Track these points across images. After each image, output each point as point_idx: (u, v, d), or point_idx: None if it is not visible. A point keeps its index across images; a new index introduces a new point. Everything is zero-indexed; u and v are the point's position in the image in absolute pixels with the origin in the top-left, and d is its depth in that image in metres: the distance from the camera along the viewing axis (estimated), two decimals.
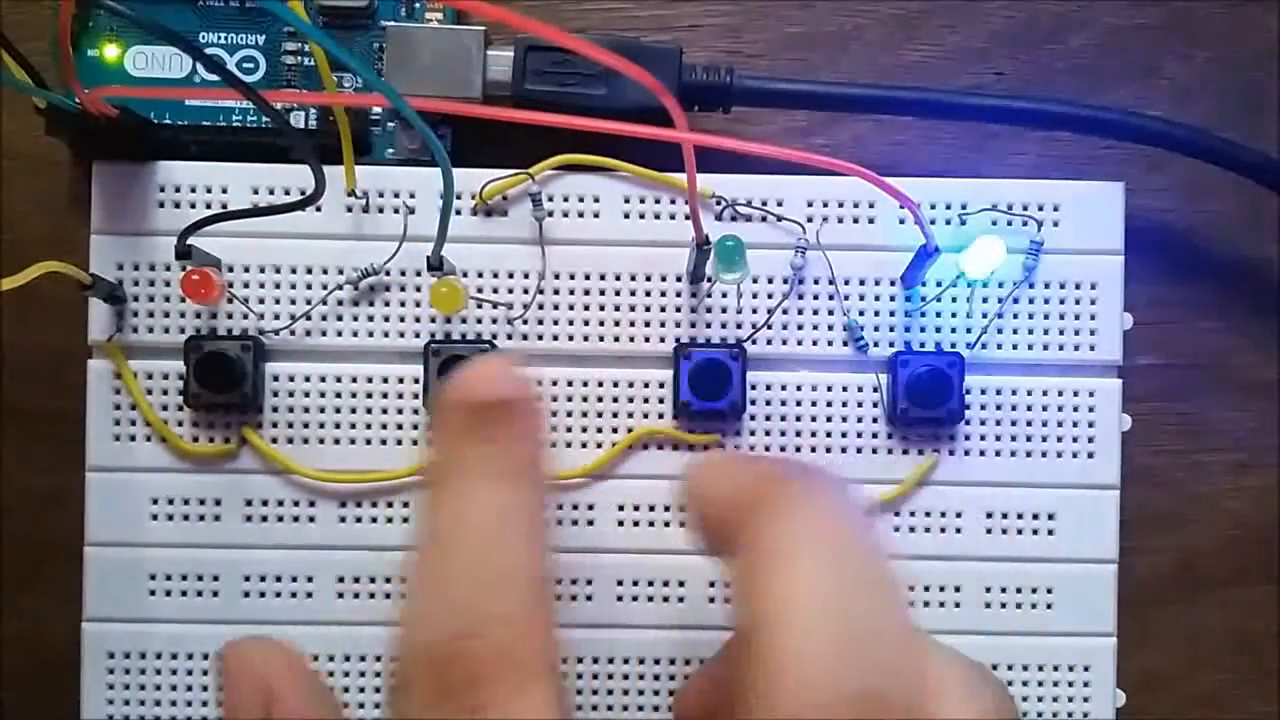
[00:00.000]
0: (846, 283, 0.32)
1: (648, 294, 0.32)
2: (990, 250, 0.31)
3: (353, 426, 0.32)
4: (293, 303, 0.32)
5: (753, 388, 0.32)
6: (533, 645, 0.24)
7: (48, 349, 0.33)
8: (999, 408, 0.32)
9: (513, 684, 0.23)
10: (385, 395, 0.32)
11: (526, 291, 0.32)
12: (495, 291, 0.32)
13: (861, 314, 0.32)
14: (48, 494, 0.33)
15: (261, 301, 0.32)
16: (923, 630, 0.24)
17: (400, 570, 0.26)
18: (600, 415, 0.32)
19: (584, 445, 0.32)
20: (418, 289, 0.32)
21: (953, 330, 0.32)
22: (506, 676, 0.23)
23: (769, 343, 0.32)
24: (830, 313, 0.32)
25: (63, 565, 0.32)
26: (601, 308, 0.32)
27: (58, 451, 0.33)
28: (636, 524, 0.32)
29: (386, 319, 0.32)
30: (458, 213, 0.32)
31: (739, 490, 0.25)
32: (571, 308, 0.32)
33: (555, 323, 0.32)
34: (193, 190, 0.32)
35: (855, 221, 0.32)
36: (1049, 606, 0.32)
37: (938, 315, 0.32)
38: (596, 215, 0.32)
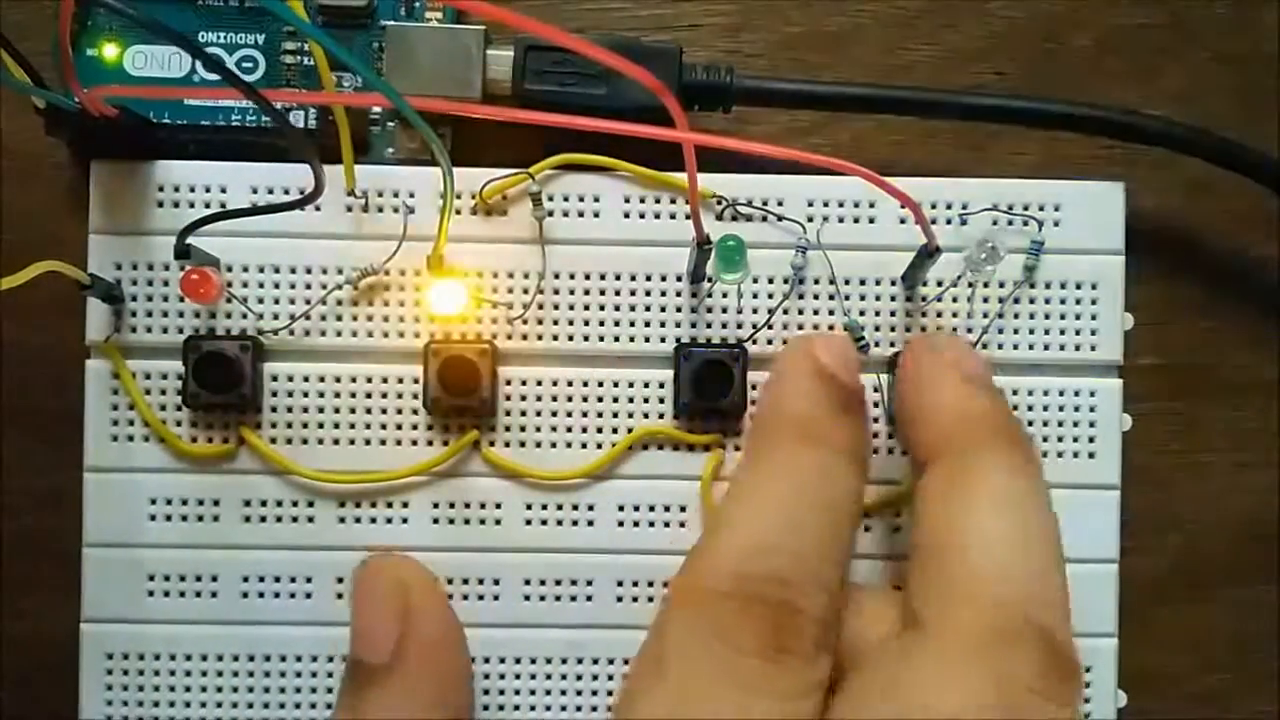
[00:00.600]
0: (847, 282, 0.32)
1: (648, 294, 0.32)
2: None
3: (352, 427, 0.32)
4: (292, 302, 0.32)
5: (753, 388, 0.32)
6: (835, 617, 0.26)
7: (46, 349, 0.33)
8: None
9: (813, 644, 0.25)
10: (384, 395, 0.32)
11: (526, 291, 0.32)
12: (495, 291, 0.32)
13: (862, 314, 0.32)
14: (46, 494, 0.33)
15: (260, 301, 0.32)
16: None
17: (731, 496, 0.28)
18: (600, 415, 0.32)
19: (584, 445, 0.32)
20: (417, 289, 0.32)
21: (954, 330, 0.32)
22: (813, 635, 0.25)
23: (770, 343, 0.32)
24: (831, 313, 0.32)
25: (61, 565, 0.32)
26: (602, 307, 0.32)
27: (56, 451, 0.33)
28: (636, 524, 0.32)
29: (386, 319, 0.32)
30: (458, 212, 0.32)
31: (962, 414, 0.28)
32: (572, 307, 0.32)
33: (555, 322, 0.32)
34: (192, 190, 0.32)
35: (856, 221, 0.32)
36: None
37: (939, 315, 0.32)
38: (597, 215, 0.32)
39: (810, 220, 0.32)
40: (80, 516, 0.32)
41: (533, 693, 0.32)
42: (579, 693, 0.32)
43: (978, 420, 0.28)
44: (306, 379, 0.32)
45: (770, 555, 0.26)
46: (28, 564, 0.33)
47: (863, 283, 0.32)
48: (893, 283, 0.32)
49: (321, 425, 0.32)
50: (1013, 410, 0.30)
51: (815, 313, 0.32)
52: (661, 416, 0.32)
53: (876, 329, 0.32)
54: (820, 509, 0.27)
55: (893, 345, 0.32)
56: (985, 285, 0.32)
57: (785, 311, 0.32)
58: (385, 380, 0.32)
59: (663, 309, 0.32)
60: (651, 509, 0.32)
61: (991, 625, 0.25)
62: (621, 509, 0.32)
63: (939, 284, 0.32)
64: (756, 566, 0.26)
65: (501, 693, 0.32)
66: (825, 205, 0.32)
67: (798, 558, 0.26)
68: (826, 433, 0.27)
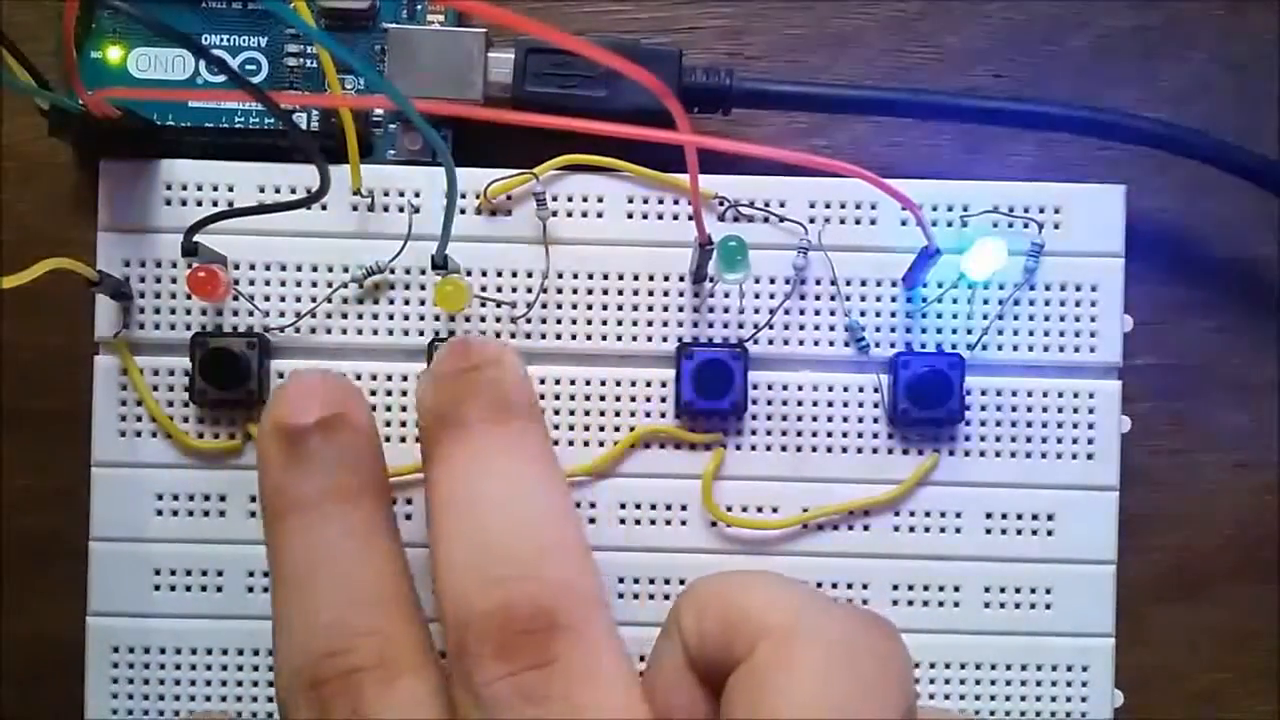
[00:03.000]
0: (848, 283, 0.32)
1: (650, 294, 0.32)
2: (992, 252, 0.31)
3: None
4: (298, 300, 0.32)
5: (754, 387, 0.32)
6: (399, 647, 0.25)
7: (51, 349, 0.33)
8: (999, 409, 0.33)
9: (384, 682, 0.24)
10: (389, 393, 0.32)
11: (530, 291, 0.32)
12: (499, 290, 0.32)
13: (863, 314, 0.32)
14: (51, 493, 0.33)
15: (267, 299, 0.32)
16: None
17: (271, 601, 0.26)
18: (602, 414, 0.32)
19: (586, 444, 0.32)
20: (422, 287, 0.32)
21: (953, 331, 0.32)
22: (378, 677, 0.24)
23: (771, 343, 0.32)
24: (832, 313, 0.32)
25: (66, 564, 0.32)
26: (604, 307, 0.32)
27: (61, 450, 0.33)
28: (638, 522, 0.32)
29: (391, 317, 0.32)
30: (462, 212, 0.32)
31: (433, 407, 0.27)
32: (575, 307, 0.32)
33: (558, 322, 0.32)
34: (199, 188, 0.32)
35: (857, 223, 0.32)
36: (1048, 607, 0.33)
37: (939, 316, 0.32)
38: (600, 215, 0.32)
39: (812, 221, 0.32)
40: (84, 515, 0.32)
41: None
42: None
43: (427, 431, 0.27)
44: None
45: (309, 641, 0.25)
46: (31, 563, 0.34)
47: (863, 284, 0.32)
48: (893, 284, 0.32)
49: None
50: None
51: (816, 313, 0.32)
52: (663, 416, 0.32)
53: (877, 330, 0.32)
54: (323, 574, 0.25)
55: (893, 346, 0.32)
56: (985, 287, 0.32)
57: (786, 312, 0.32)
58: (390, 378, 0.32)
59: (665, 309, 0.32)
60: (653, 507, 0.32)
61: (453, 643, 0.24)
62: (623, 507, 0.32)
63: (939, 285, 0.32)
64: (304, 659, 0.25)
65: None
66: (827, 206, 0.32)
67: (326, 628, 0.25)
68: (290, 496, 0.26)
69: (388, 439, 0.32)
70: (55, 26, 0.32)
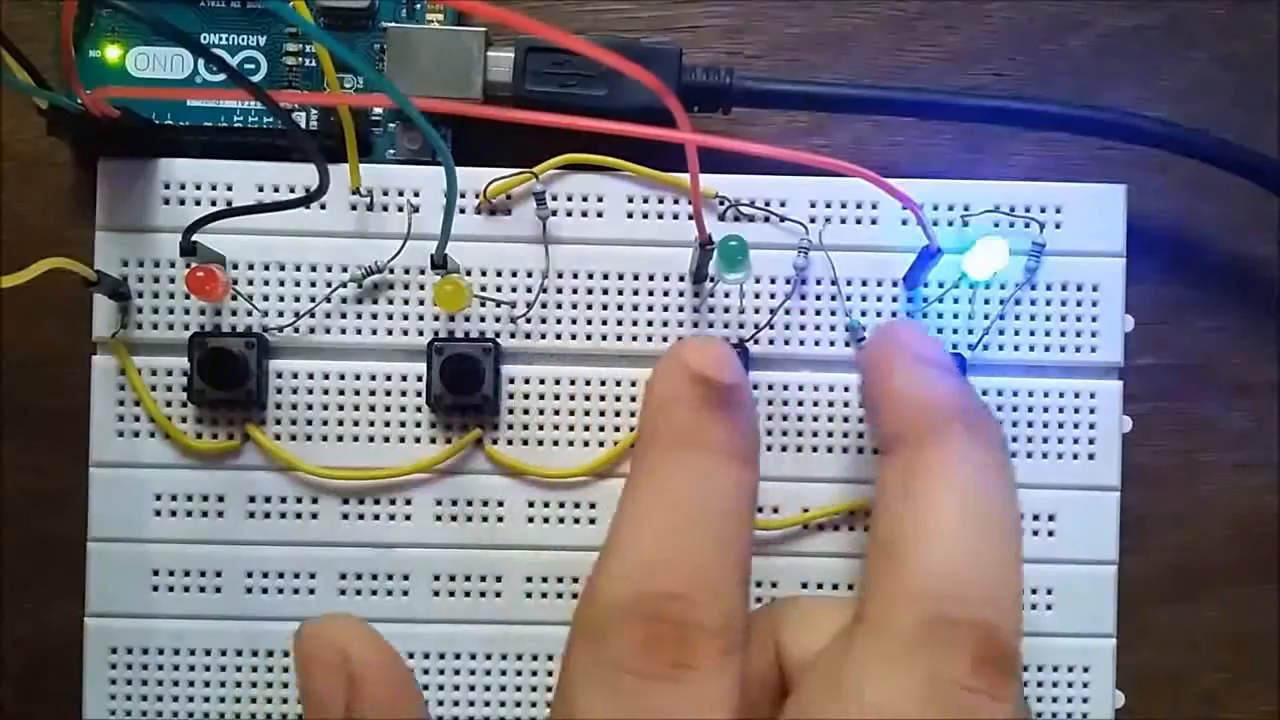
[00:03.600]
0: (849, 283, 0.32)
1: (651, 293, 0.32)
2: (994, 251, 0.31)
3: (356, 424, 0.32)
4: (297, 300, 0.32)
5: (755, 387, 0.32)
6: (738, 621, 0.25)
7: (50, 348, 0.33)
8: (1000, 408, 0.33)
9: (717, 653, 0.25)
10: (389, 393, 0.32)
11: (530, 290, 0.32)
12: (499, 290, 0.32)
13: (864, 314, 0.32)
14: (49, 493, 0.33)
15: (265, 299, 0.32)
16: None
17: (617, 519, 0.27)
18: (603, 414, 0.32)
19: (586, 444, 0.32)
20: (421, 287, 0.32)
21: (954, 331, 0.32)
22: (714, 644, 0.25)
23: (771, 342, 0.32)
24: (833, 313, 0.32)
25: (64, 564, 0.32)
26: (605, 307, 0.32)
27: (60, 450, 0.33)
28: None
29: (390, 317, 0.32)
30: (461, 211, 0.32)
31: (923, 404, 0.27)
32: (575, 306, 0.32)
33: (559, 321, 0.32)
34: (198, 187, 0.32)
35: (858, 222, 0.32)
36: (1049, 607, 0.33)
37: (939, 316, 0.32)
38: (600, 215, 0.32)
39: (812, 221, 0.32)
40: (83, 515, 0.32)
41: (534, 689, 0.32)
42: None
43: (933, 406, 0.27)
44: (311, 376, 0.32)
45: (659, 573, 0.25)
46: (30, 562, 0.33)
47: (864, 283, 0.32)
48: (894, 283, 0.32)
49: (326, 422, 0.32)
50: (975, 391, 0.30)
51: (817, 313, 0.32)
52: None
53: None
54: (706, 515, 0.26)
55: None
56: (986, 287, 0.32)
57: (787, 311, 0.32)
58: (389, 378, 0.32)
59: (665, 308, 0.32)
60: None
61: (929, 621, 0.24)
62: None
63: (940, 285, 0.32)
64: (647, 587, 0.25)
65: (503, 689, 0.32)
66: (827, 206, 0.32)
67: (688, 570, 0.25)
68: (702, 435, 0.26)
69: (385, 439, 0.32)
70: (54, 26, 0.32)
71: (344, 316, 0.32)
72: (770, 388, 0.32)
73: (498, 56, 0.32)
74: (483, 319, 0.32)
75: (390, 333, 0.32)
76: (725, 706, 0.24)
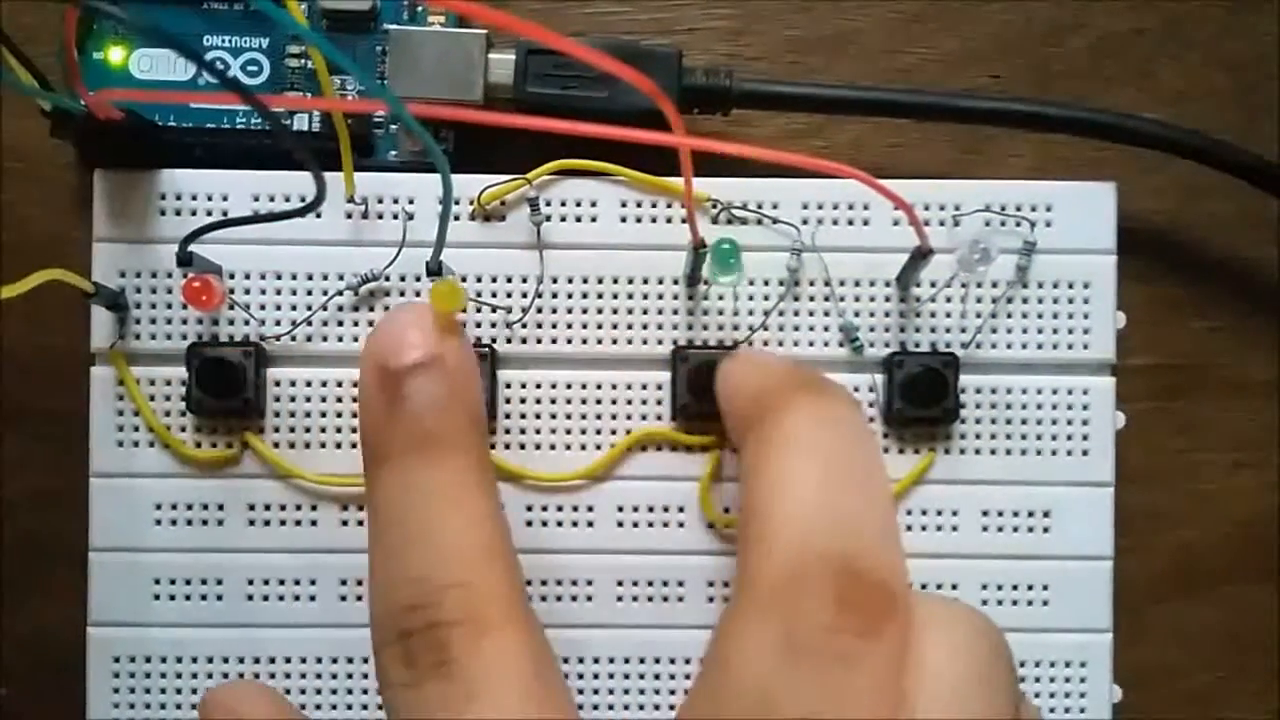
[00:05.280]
0: (842, 284, 0.32)
1: (645, 297, 0.32)
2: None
3: (354, 431, 0.32)
4: (294, 309, 0.32)
5: None
6: (487, 601, 0.25)
7: (51, 350, 0.33)
8: (994, 407, 0.33)
9: (472, 636, 0.25)
10: None
11: (525, 295, 0.32)
12: (494, 296, 0.32)
13: (857, 315, 0.32)
14: (51, 494, 0.34)
15: (263, 308, 0.32)
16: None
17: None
18: (599, 418, 0.32)
19: (583, 448, 0.32)
20: (417, 294, 0.32)
21: (947, 330, 0.32)
22: (467, 632, 0.25)
23: (766, 344, 0.32)
24: (826, 314, 0.32)
25: (65, 566, 0.33)
26: (599, 311, 0.32)
27: (61, 453, 0.33)
28: (636, 525, 0.32)
29: None
30: (456, 218, 0.32)
31: (759, 390, 0.27)
32: (570, 311, 0.32)
33: (554, 326, 0.32)
34: (194, 198, 0.32)
35: (850, 223, 0.32)
36: (1045, 603, 0.33)
37: (932, 316, 0.32)
38: (594, 219, 0.32)
39: (805, 223, 0.32)
40: (84, 518, 0.32)
41: None
42: (580, 692, 0.32)
43: (771, 384, 0.27)
44: (309, 384, 0.32)
45: (400, 592, 0.25)
46: (32, 565, 0.34)
47: (857, 284, 0.32)
48: (887, 284, 0.32)
49: (324, 430, 0.32)
50: (812, 367, 0.28)
51: (810, 314, 0.32)
52: (659, 418, 0.32)
53: (871, 330, 0.32)
54: (427, 529, 0.26)
55: (887, 346, 0.32)
56: (978, 285, 0.32)
57: (780, 313, 0.32)
58: None
59: (660, 312, 0.32)
60: (650, 510, 0.32)
61: (783, 568, 0.24)
62: (621, 510, 0.32)
63: (932, 285, 0.32)
64: (393, 610, 0.25)
65: None
66: (820, 208, 0.32)
67: (423, 583, 0.25)
68: (389, 445, 0.26)
69: None
70: (57, 27, 0.32)
71: (341, 324, 0.32)
72: None
73: (499, 59, 0.32)
74: (478, 325, 0.32)
75: None
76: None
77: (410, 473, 0.26)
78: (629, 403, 0.32)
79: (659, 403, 0.32)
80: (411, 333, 0.26)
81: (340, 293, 0.32)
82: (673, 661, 0.32)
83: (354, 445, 0.32)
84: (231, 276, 0.32)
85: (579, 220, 0.32)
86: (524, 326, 0.32)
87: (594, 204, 0.32)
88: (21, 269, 0.27)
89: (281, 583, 0.32)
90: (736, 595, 0.25)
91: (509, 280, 0.32)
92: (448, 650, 0.24)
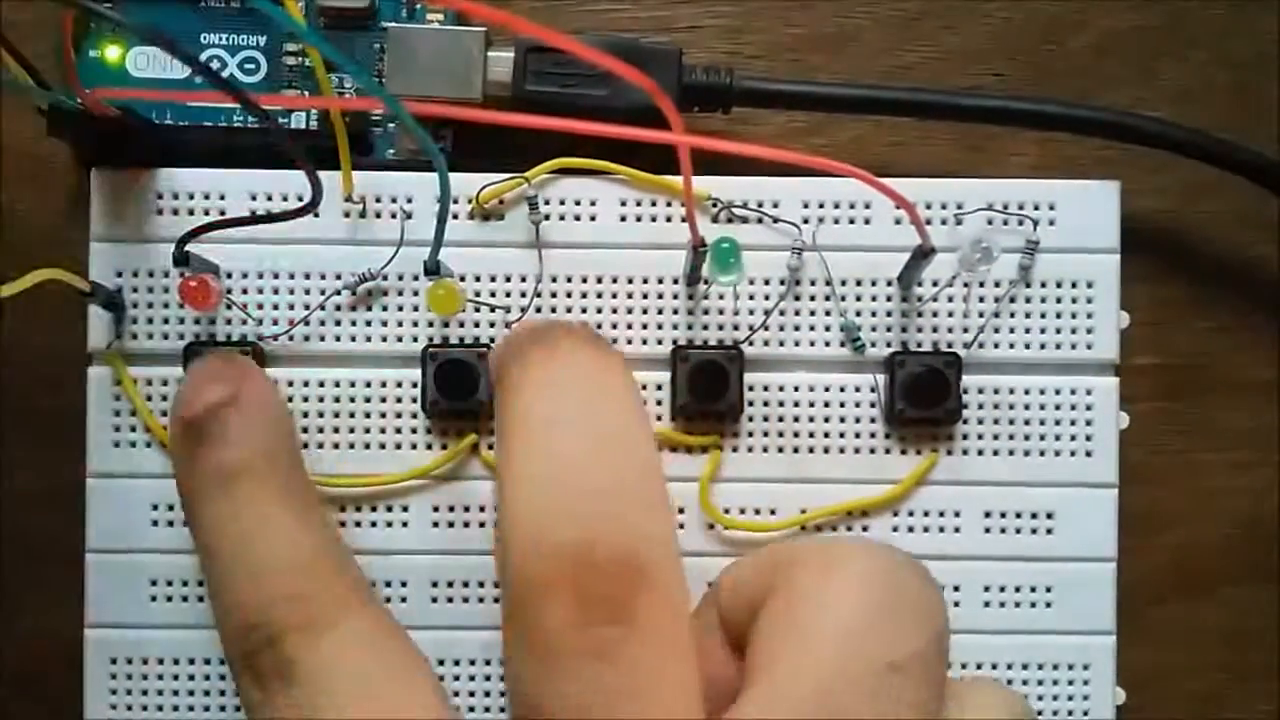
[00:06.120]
0: (843, 283, 0.32)
1: (645, 296, 0.32)
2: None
3: (351, 431, 0.32)
4: (291, 308, 0.32)
5: (750, 389, 0.32)
6: (318, 605, 0.26)
7: (47, 350, 0.33)
8: (996, 407, 0.32)
9: (309, 639, 0.25)
10: (384, 400, 0.32)
11: (524, 295, 0.32)
12: (493, 295, 0.32)
13: (858, 314, 0.32)
14: (47, 494, 0.33)
15: (260, 307, 0.32)
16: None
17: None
18: None
19: None
20: (415, 293, 0.32)
21: (949, 330, 0.32)
22: (303, 637, 0.25)
23: (766, 344, 0.32)
24: (827, 313, 0.32)
25: (63, 566, 0.32)
26: (599, 310, 0.32)
27: (57, 452, 0.33)
28: None
29: (384, 324, 0.32)
30: (454, 217, 0.32)
31: (497, 360, 0.26)
32: (569, 310, 0.32)
33: None
34: (191, 197, 0.32)
35: (851, 222, 0.32)
36: (1048, 605, 0.32)
37: (934, 315, 0.32)
38: (593, 218, 0.32)
39: (805, 221, 0.32)
40: (81, 517, 0.32)
41: None
42: None
43: (505, 356, 0.25)
44: (306, 384, 0.32)
45: (234, 618, 0.26)
46: (28, 566, 0.34)
47: (858, 283, 0.32)
48: (888, 283, 0.32)
49: (321, 430, 0.32)
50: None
51: (811, 314, 0.32)
52: (659, 418, 0.32)
53: (873, 329, 0.32)
54: (237, 550, 0.26)
55: (889, 346, 0.32)
56: (980, 285, 0.32)
57: (781, 313, 0.32)
58: (384, 385, 0.32)
59: (659, 311, 0.32)
60: None
61: (519, 573, 0.22)
62: None
63: (934, 284, 0.32)
64: (233, 637, 0.26)
65: (502, 694, 0.32)
66: (820, 206, 0.32)
67: (251, 604, 0.26)
68: (195, 483, 0.27)
69: (381, 446, 0.32)
70: (54, 26, 0.32)
71: (338, 324, 0.32)
72: (766, 389, 0.32)
73: (498, 56, 0.32)
74: (477, 324, 0.32)
75: (385, 339, 0.32)
76: None
77: (215, 505, 0.27)
78: None
79: (659, 402, 0.32)
80: (202, 384, 0.28)
81: (338, 292, 0.32)
82: None
83: (352, 445, 0.32)
84: (229, 276, 0.32)
85: (578, 219, 0.32)
86: None
87: (593, 203, 0.32)
88: (18, 268, 0.27)
89: None
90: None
91: (508, 279, 0.32)
92: (287, 657, 0.25)
